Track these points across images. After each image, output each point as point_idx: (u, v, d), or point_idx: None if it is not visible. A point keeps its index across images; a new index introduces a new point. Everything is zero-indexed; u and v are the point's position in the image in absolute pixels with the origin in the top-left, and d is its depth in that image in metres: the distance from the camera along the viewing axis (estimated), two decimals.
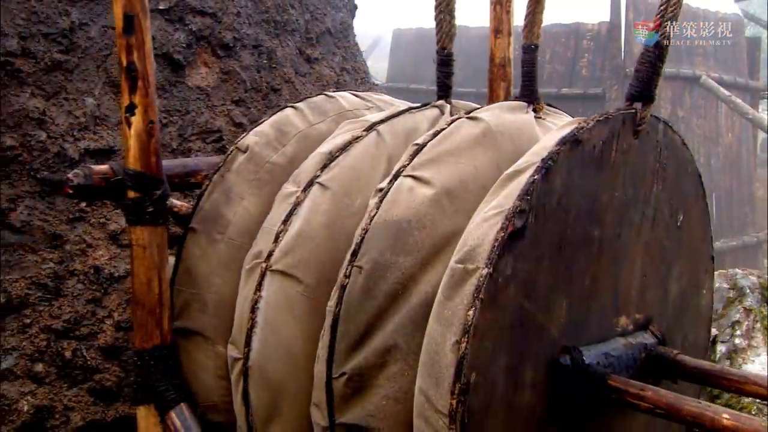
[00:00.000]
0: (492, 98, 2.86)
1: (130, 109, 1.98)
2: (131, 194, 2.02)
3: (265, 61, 3.89)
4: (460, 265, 1.59)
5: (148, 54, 1.98)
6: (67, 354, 3.12)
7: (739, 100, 10.01)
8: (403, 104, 2.48)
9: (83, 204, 3.28)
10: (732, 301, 3.76)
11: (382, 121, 2.09)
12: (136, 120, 1.98)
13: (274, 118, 2.30)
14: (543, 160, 1.68)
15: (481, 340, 1.54)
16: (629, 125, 1.92)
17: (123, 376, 3.19)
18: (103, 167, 2.12)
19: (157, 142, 2.04)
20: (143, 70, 1.96)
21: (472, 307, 1.53)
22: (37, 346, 3.08)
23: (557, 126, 1.95)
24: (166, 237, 2.09)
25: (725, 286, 3.85)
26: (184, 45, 3.58)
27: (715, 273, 4.07)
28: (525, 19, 2.20)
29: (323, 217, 1.92)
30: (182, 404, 2.08)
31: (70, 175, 2.12)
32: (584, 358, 1.82)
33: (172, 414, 2.06)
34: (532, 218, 1.64)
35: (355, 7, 4.90)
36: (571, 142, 1.74)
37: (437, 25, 2.29)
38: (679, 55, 9.57)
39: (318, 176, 1.98)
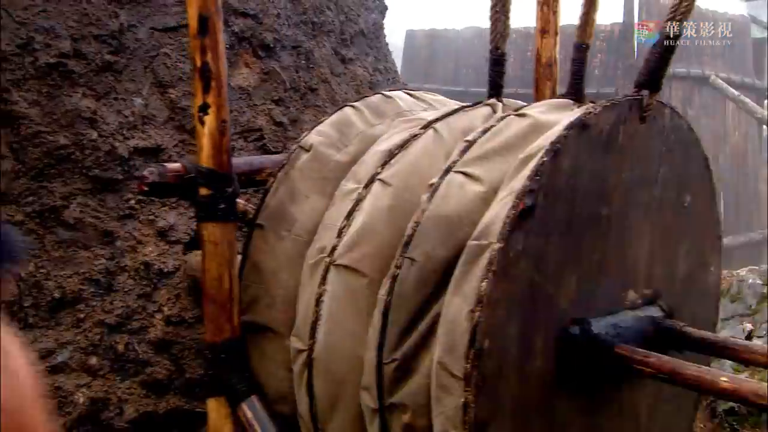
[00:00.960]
0: (538, 97, 2.86)
1: (204, 108, 1.98)
2: (203, 191, 2.02)
3: (303, 62, 3.89)
4: (475, 242, 1.65)
5: (221, 55, 1.99)
6: (120, 347, 3.13)
7: (748, 100, 10.01)
8: (457, 104, 2.48)
9: (132, 201, 3.29)
10: (766, 297, 3.76)
11: (438, 119, 2.09)
12: (209, 119, 1.99)
13: (334, 117, 2.30)
14: (552, 143, 1.76)
15: (493, 309, 1.61)
16: (636, 111, 2.01)
17: (173, 370, 3.20)
18: (176, 165, 2.13)
19: (228, 140, 2.04)
20: (216, 71, 1.97)
21: (485, 279, 1.58)
22: (91, 340, 3.09)
23: None
24: (235, 233, 2.09)
25: (759, 282, 3.85)
26: (227, 46, 3.57)
27: (747, 269, 4.09)
28: (579, 19, 2.19)
29: (385, 213, 1.93)
30: (253, 396, 2.08)
31: (144, 173, 2.12)
32: (593, 328, 1.88)
33: (244, 406, 2.07)
34: (541, 197, 1.72)
35: (386, 8, 4.90)
36: (579, 126, 1.82)
37: (492, 24, 2.29)
38: (688, 56, 9.56)
39: (379, 173, 1.99)
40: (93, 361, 3.06)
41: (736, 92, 9.95)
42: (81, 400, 2.97)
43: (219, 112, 1.98)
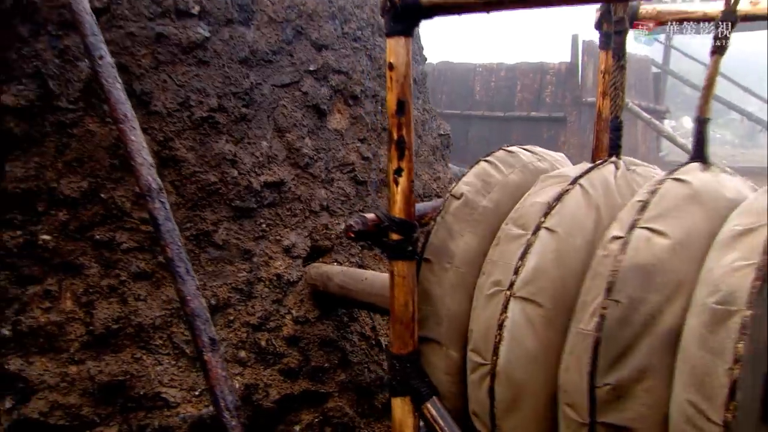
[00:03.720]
0: (597, 145, 2.81)
1: (398, 171, 1.90)
2: (394, 237, 1.94)
3: (379, 107, 3.80)
4: (720, 306, 1.55)
5: (411, 129, 1.90)
6: (262, 343, 3.04)
7: (656, 121, 10.16)
8: (561, 156, 2.43)
9: (264, 225, 3.18)
10: None
11: (580, 176, 2.03)
12: (402, 180, 1.91)
13: (474, 170, 2.23)
14: None
15: (743, 367, 1.51)
16: None
17: (302, 359, 3.12)
18: (372, 216, 2.05)
19: (413, 195, 1.96)
20: (408, 142, 1.89)
21: (740, 341, 1.49)
22: (240, 337, 3.00)
23: (740, 184, 1.91)
24: (416, 268, 2.02)
25: None
26: (326, 97, 3.48)
27: None
28: (701, 96, 2.11)
29: (553, 255, 1.87)
30: (434, 397, 2.02)
31: (351, 223, 2.04)
32: None
33: (428, 405, 2.00)
34: None
35: (425, 60, 4.82)
36: None
37: (612, 99, 2.24)
38: None
39: (543, 222, 1.92)
40: (242, 354, 2.97)
41: (647, 116, 10.08)
42: (237, 385, 2.88)
43: (409, 174, 1.90)
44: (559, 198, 1.95)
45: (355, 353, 3.28)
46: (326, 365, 3.14)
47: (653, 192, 1.82)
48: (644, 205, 1.79)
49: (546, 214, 1.92)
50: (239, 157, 3.10)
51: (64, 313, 2.81)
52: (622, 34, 2.28)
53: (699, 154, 2.02)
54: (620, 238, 1.76)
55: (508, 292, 1.85)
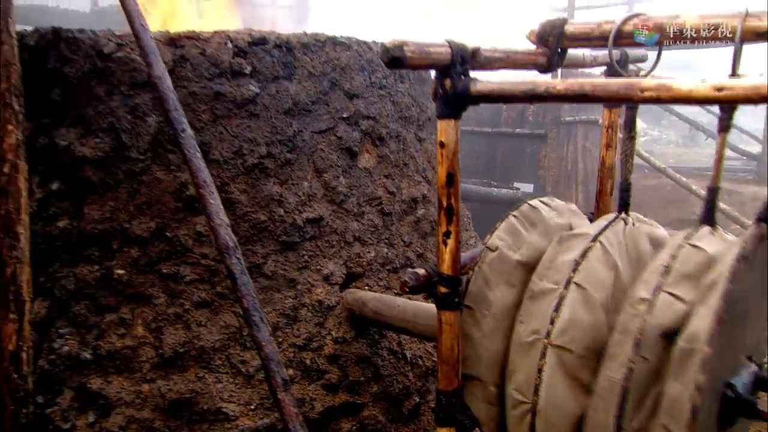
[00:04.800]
0: (601, 191, 2.87)
1: (447, 234, 1.97)
2: (443, 290, 2.01)
3: (401, 146, 3.86)
4: (686, 345, 1.67)
5: (458, 198, 1.96)
6: (307, 361, 3.10)
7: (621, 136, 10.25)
8: (575, 209, 2.48)
9: (306, 257, 3.24)
10: None
11: (599, 234, 2.09)
12: (450, 242, 1.97)
13: (505, 225, 2.29)
14: (729, 274, 1.67)
15: (702, 394, 1.61)
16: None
17: (341, 375, 3.18)
18: (423, 272, 2.12)
19: (460, 253, 2.03)
20: (456, 209, 1.95)
21: (700, 373, 1.60)
22: (288, 357, 3.06)
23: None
24: (460, 316, 2.08)
25: None
26: (357, 140, 3.53)
27: None
28: (713, 167, 2.11)
29: (582, 308, 1.94)
30: (476, 429, 2.09)
31: (406, 279, 2.11)
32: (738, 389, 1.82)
33: None
34: (726, 313, 1.65)
35: (430, 101, 4.85)
36: (743, 259, 1.70)
37: (623, 165, 2.31)
38: (587, 108, 9.70)
39: (572, 277, 1.99)
40: (290, 372, 3.03)
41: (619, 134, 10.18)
42: None
43: (456, 236, 1.97)
44: (584, 255, 2.02)
45: (385, 367, 3.35)
46: (361, 379, 3.21)
47: (674, 257, 1.89)
48: (667, 270, 1.86)
49: (574, 270, 1.98)
50: (285, 197, 3.16)
51: (137, 338, 2.87)
52: (633, 109, 2.34)
53: (708, 219, 2.09)
54: (646, 300, 1.83)
55: (546, 341, 1.92)
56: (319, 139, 3.35)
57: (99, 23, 15.49)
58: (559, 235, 2.18)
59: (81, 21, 15.80)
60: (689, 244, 1.92)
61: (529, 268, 2.19)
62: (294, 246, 3.19)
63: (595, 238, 2.07)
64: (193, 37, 2.97)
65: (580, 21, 2.31)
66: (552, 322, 1.94)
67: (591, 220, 2.86)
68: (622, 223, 2.19)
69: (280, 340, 3.05)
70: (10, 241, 2.50)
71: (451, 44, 1.87)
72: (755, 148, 13.35)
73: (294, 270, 3.18)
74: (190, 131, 2.36)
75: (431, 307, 2.96)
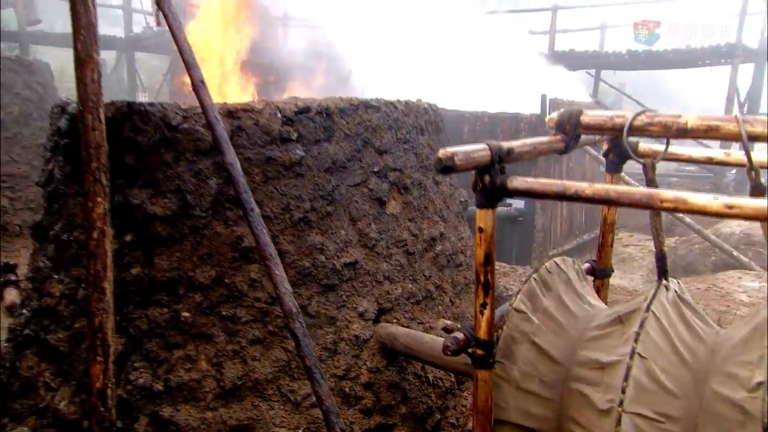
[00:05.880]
0: (603, 243, 2.93)
1: (484, 305, 2.04)
2: (479, 352, 2.08)
3: (422, 192, 3.93)
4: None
5: (494, 273, 2.03)
6: (346, 389, 3.17)
7: (595, 152, 10.30)
8: (586, 277, 2.54)
9: (344, 296, 3.31)
10: None
11: (650, 304, 2.10)
12: (487, 312, 2.04)
13: (526, 288, 2.35)
14: None
15: None
16: None
17: (375, 400, 3.26)
18: (462, 336, 2.18)
19: (494, 320, 2.10)
20: (492, 284, 2.02)
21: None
22: (330, 386, 3.12)
23: None
24: (492, 373, 2.16)
25: None
26: (386, 190, 3.61)
27: None
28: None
29: (647, 377, 1.94)
30: None
31: (448, 344, 2.17)
32: None
33: None
34: None
35: (448, 141, 4.92)
36: None
37: (654, 237, 2.36)
38: None
39: (636, 347, 1.97)
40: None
41: (595, 152, 10.22)
42: None
43: (491, 306, 2.04)
44: (641, 325, 2.04)
45: (411, 390, 3.43)
46: (392, 402, 3.29)
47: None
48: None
49: (636, 340, 2.01)
50: (325, 245, 3.23)
51: (201, 371, 2.94)
52: (657, 215, 2.40)
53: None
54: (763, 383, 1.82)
55: (620, 409, 1.94)
56: (353, 191, 3.43)
57: (134, 47, 15.32)
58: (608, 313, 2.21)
59: (118, 45, 15.71)
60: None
61: (549, 327, 2.26)
62: (333, 288, 3.27)
63: (648, 308, 2.09)
64: (248, 109, 3.04)
65: (593, 112, 2.38)
66: (623, 391, 1.93)
67: (592, 268, 2.94)
68: (665, 291, 2.23)
69: (323, 371, 3.12)
70: (98, 295, 2.58)
71: (491, 146, 1.94)
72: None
73: (334, 309, 3.25)
74: (257, 210, 2.44)
75: None
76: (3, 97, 8.09)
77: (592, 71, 14.49)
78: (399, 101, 3.82)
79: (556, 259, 2.60)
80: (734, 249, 8.51)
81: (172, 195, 2.95)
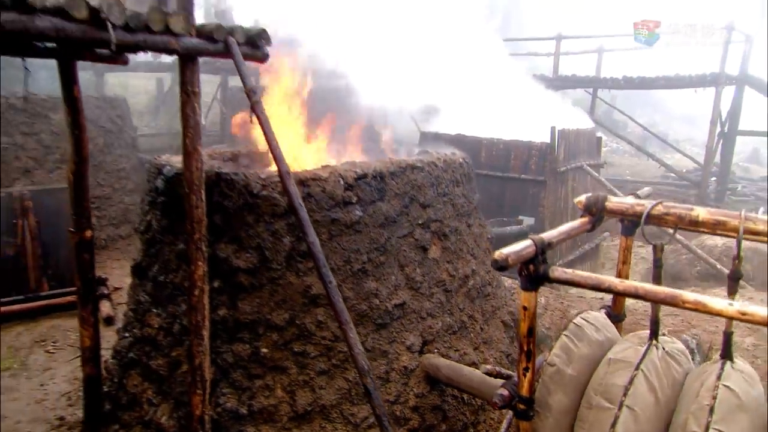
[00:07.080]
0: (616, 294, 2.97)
1: (526, 369, 2.14)
2: (521, 406, 2.18)
3: (458, 236, 4.03)
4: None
5: (536, 342, 2.13)
6: (397, 413, 3.30)
7: (602, 178, 10.22)
8: (611, 325, 2.62)
9: (394, 333, 3.43)
10: None
11: (640, 362, 2.20)
12: (528, 374, 2.14)
13: (559, 343, 2.44)
14: None
15: None
16: None
17: (421, 421, 3.38)
18: (507, 393, 2.28)
19: (534, 381, 2.20)
20: (534, 352, 2.12)
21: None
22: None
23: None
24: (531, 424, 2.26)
25: None
26: (428, 239, 3.72)
27: None
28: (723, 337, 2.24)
29: (633, 427, 2.06)
30: None
31: (496, 400, 2.27)
32: None
33: None
34: None
35: (475, 193, 4.99)
36: None
37: (653, 306, 2.44)
38: (575, 156, 9.81)
39: (624, 400, 2.08)
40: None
41: (596, 174, 10.17)
42: None
43: (532, 369, 2.14)
44: (631, 381, 2.14)
45: (450, 410, 3.55)
46: (435, 422, 3.41)
47: (714, 398, 1.99)
48: (711, 409, 1.96)
49: (625, 394, 2.12)
50: (379, 290, 3.36)
51: (277, 398, 3.10)
52: (656, 252, 2.46)
53: (727, 353, 2.20)
54: None
55: None
56: (401, 242, 3.55)
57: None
58: (609, 358, 2.32)
59: (172, 67, 15.91)
60: (723, 385, 2.04)
61: (580, 379, 2.35)
62: (386, 326, 3.40)
63: (637, 367, 2.20)
64: (316, 177, 3.19)
65: (617, 200, 2.47)
66: None
67: (609, 315, 3.02)
68: (655, 350, 2.33)
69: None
70: (198, 341, 2.75)
71: (535, 242, 2.05)
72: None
73: (386, 344, 3.38)
74: (334, 282, 2.58)
75: (488, 378, 3.15)
76: (90, 131, 8.41)
77: (590, 89, 14.42)
78: (439, 159, 3.93)
79: (584, 315, 2.69)
80: (717, 262, 8.48)
81: (253, 251, 3.11)
